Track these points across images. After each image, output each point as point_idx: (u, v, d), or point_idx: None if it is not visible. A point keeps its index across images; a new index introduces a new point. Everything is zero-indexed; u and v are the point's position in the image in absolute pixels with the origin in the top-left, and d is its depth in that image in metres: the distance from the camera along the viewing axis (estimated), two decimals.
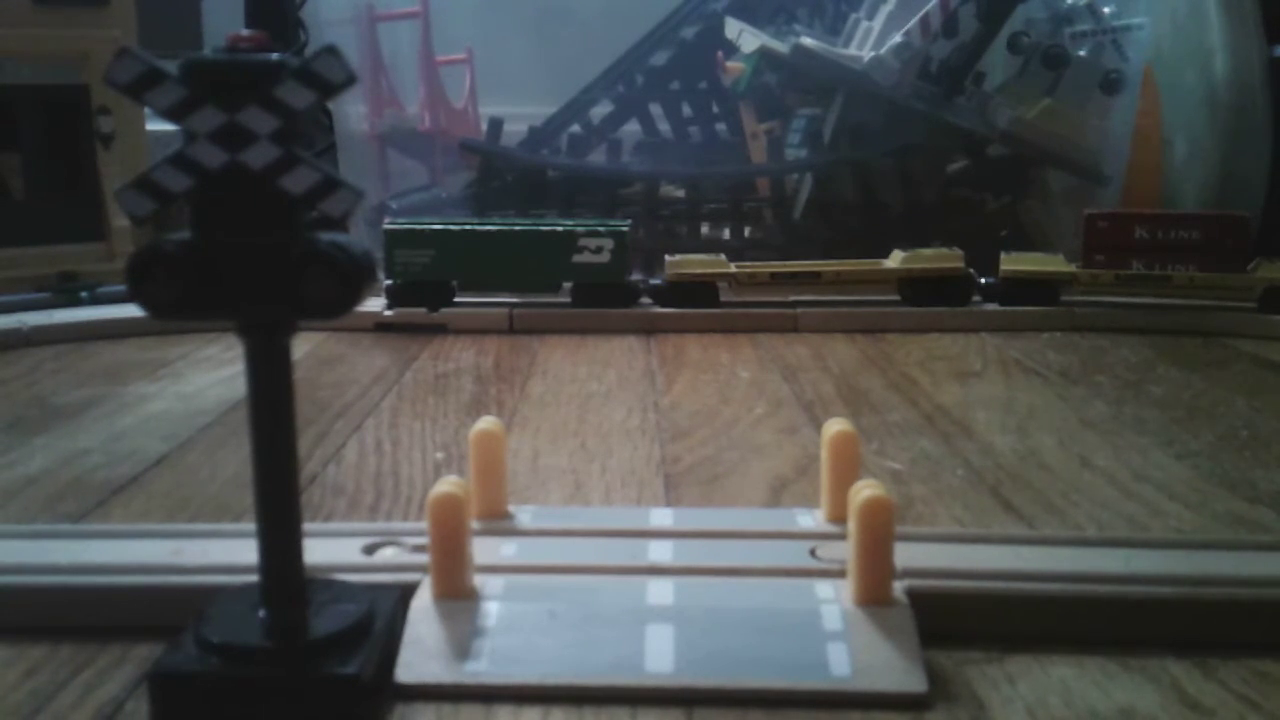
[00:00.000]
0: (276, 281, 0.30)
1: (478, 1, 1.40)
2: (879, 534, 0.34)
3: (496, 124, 1.14)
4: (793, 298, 0.92)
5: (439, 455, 0.56)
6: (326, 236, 0.30)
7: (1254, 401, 0.67)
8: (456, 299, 0.90)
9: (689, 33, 1.21)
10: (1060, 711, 0.32)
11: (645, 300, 0.91)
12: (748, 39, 1.12)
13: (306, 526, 0.33)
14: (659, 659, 0.33)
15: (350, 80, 0.29)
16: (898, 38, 1.04)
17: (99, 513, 0.48)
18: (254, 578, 0.33)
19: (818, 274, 0.91)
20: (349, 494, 0.51)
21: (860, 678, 0.33)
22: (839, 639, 0.34)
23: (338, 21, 1.20)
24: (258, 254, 0.30)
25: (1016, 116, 1.06)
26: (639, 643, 0.34)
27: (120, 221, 0.99)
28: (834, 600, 0.35)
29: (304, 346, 0.82)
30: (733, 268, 0.91)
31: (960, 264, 0.90)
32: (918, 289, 0.90)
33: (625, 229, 0.89)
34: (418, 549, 0.38)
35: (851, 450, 0.41)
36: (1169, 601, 0.36)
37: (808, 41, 1.07)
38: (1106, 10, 1.10)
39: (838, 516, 0.41)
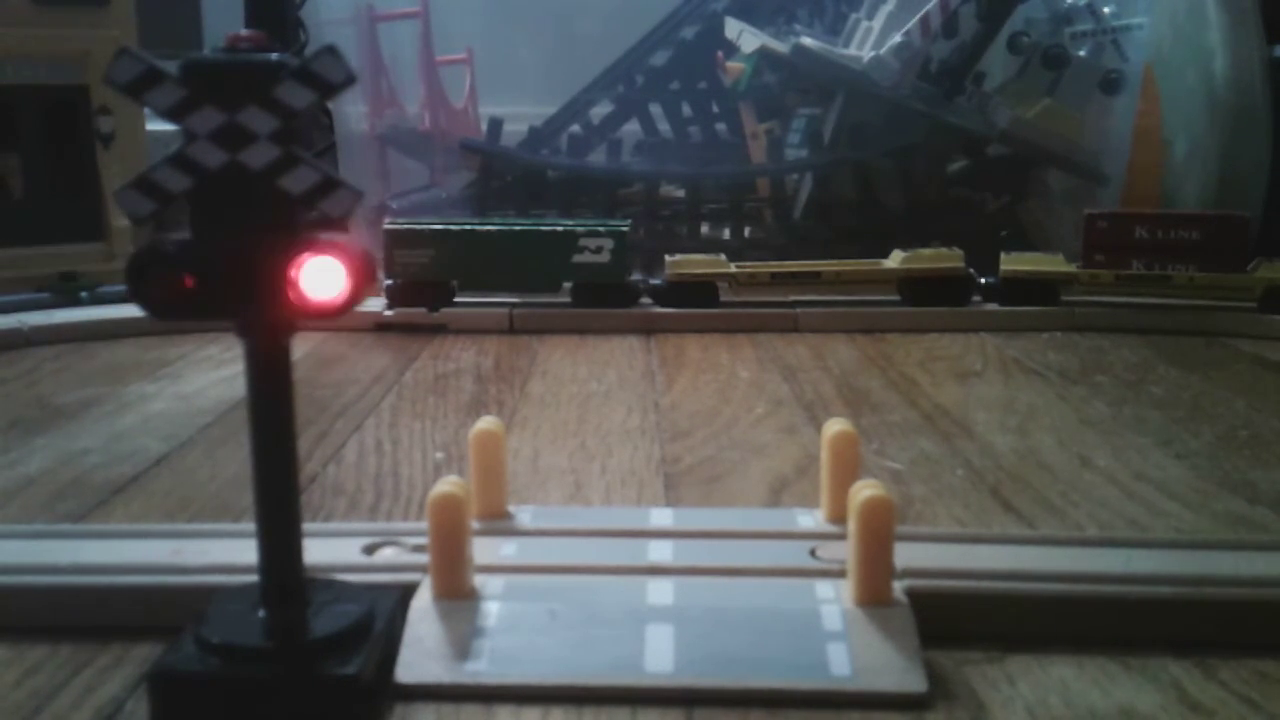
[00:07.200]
0: (276, 281, 0.30)
1: (478, 1, 1.40)
2: (879, 534, 0.34)
3: (496, 124, 1.13)
4: (793, 298, 0.92)
5: (439, 455, 0.56)
6: (326, 236, 0.30)
7: (1254, 401, 0.67)
8: (456, 299, 0.90)
9: (689, 33, 1.21)
10: (1060, 711, 0.32)
11: (645, 300, 0.91)
12: (748, 39, 1.12)
13: (306, 526, 0.33)
14: (659, 659, 0.33)
15: (350, 80, 0.29)
16: (898, 38, 1.04)
17: (99, 513, 0.48)
18: (254, 578, 0.33)
19: (818, 274, 0.91)
20: (349, 494, 0.51)
21: (860, 678, 0.33)
22: (839, 639, 0.34)
23: (338, 21, 1.20)
24: (257, 254, 0.30)
25: (1016, 116, 1.06)
26: (639, 643, 0.34)
27: (120, 221, 0.99)
28: (834, 600, 0.35)
29: (304, 346, 0.82)
30: (733, 268, 0.91)
31: (960, 264, 0.90)
32: (918, 289, 0.90)
33: (625, 229, 0.89)
34: (418, 549, 0.38)
35: (851, 450, 0.41)
36: (1169, 601, 0.36)
37: (808, 41, 1.07)
38: (1106, 10, 1.10)
39: (838, 516, 0.41)
